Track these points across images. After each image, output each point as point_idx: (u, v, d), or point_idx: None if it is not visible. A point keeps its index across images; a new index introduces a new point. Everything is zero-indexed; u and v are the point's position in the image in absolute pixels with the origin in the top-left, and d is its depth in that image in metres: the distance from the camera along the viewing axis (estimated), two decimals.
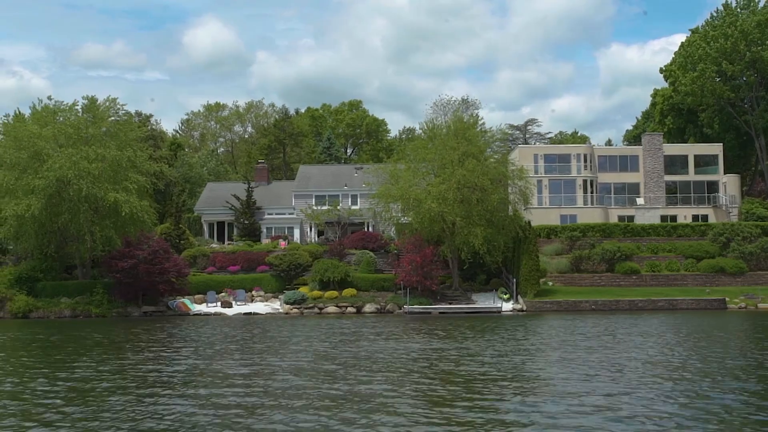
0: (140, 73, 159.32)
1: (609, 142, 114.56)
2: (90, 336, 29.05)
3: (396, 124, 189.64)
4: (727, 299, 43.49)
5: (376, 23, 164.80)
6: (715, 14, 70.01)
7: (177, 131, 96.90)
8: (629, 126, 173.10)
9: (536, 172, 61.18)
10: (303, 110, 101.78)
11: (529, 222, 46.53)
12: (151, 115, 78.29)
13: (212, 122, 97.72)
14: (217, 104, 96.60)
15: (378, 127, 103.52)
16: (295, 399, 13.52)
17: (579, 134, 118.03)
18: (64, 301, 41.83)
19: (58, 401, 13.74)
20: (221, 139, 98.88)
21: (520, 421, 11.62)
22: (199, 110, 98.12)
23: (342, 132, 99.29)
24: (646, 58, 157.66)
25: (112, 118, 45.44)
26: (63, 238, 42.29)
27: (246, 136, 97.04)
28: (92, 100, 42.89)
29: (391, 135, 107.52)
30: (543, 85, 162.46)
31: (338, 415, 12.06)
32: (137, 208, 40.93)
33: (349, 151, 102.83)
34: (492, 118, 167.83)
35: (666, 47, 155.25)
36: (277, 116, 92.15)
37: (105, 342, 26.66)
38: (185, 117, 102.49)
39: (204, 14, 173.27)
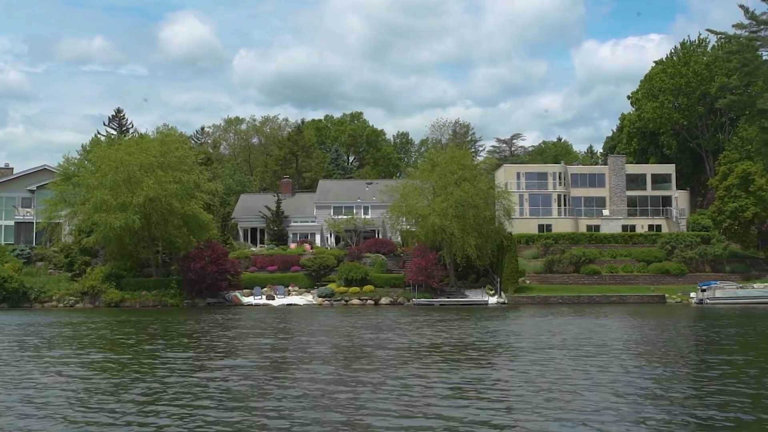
0: (120, 67, 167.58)
1: (590, 149, 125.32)
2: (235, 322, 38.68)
3: (376, 119, 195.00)
4: (666, 295, 55.00)
5: (351, 20, 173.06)
6: (673, 51, 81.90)
7: (192, 138, 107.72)
8: (606, 123, 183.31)
9: (518, 187, 72.68)
10: (308, 120, 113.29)
11: (511, 233, 57.95)
12: (190, 136, 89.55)
13: (231, 134, 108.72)
14: (237, 118, 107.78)
15: (377, 137, 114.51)
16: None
17: (562, 140, 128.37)
18: (144, 293, 52.82)
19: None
20: (238, 149, 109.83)
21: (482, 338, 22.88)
22: (220, 123, 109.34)
23: (344, 142, 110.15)
24: (619, 56, 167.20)
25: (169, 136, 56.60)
26: (149, 242, 53.31)
27: (260, 146, 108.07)
28: (168, 134, 54.47)
29: (387, 137, 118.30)
30: (519, 83, 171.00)
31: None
32: (207, 219, 52.13)
33: (350, 158, 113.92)
34: (469, 115, 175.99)
35: (638, 44, 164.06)
36: (290, 129, 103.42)
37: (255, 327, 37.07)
38: (202, 127, 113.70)
39: (182, 10, 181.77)
